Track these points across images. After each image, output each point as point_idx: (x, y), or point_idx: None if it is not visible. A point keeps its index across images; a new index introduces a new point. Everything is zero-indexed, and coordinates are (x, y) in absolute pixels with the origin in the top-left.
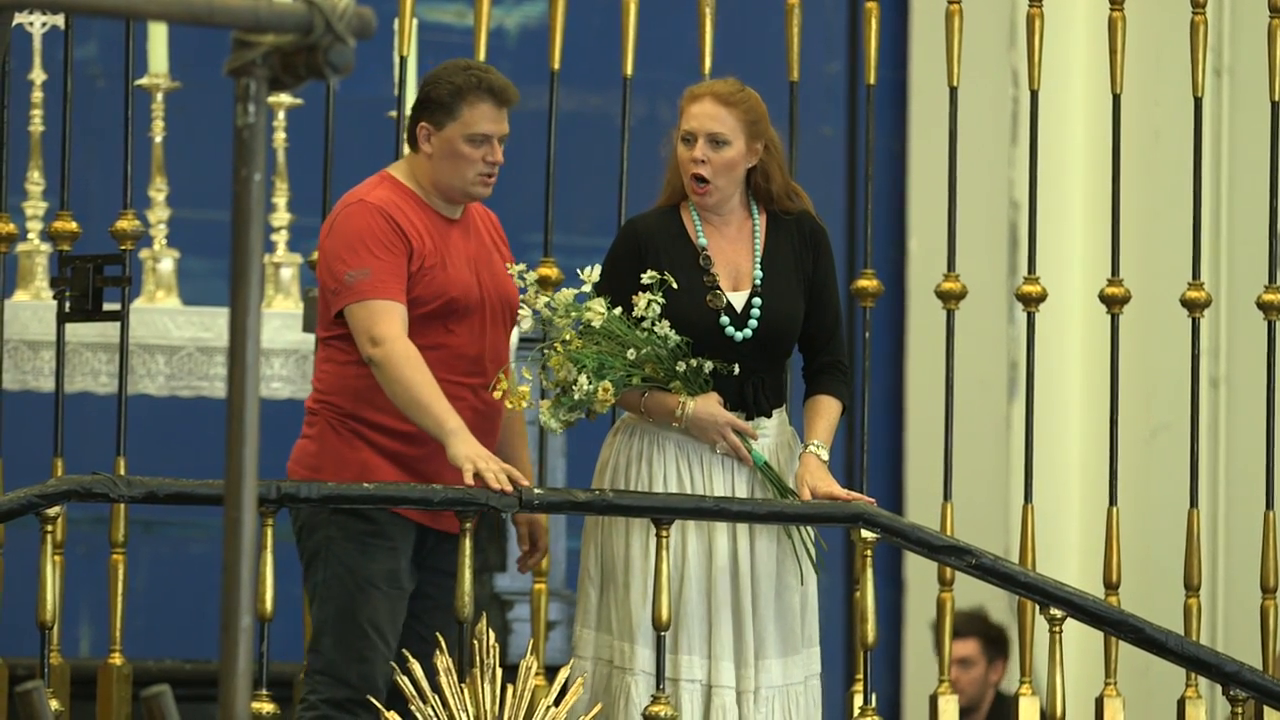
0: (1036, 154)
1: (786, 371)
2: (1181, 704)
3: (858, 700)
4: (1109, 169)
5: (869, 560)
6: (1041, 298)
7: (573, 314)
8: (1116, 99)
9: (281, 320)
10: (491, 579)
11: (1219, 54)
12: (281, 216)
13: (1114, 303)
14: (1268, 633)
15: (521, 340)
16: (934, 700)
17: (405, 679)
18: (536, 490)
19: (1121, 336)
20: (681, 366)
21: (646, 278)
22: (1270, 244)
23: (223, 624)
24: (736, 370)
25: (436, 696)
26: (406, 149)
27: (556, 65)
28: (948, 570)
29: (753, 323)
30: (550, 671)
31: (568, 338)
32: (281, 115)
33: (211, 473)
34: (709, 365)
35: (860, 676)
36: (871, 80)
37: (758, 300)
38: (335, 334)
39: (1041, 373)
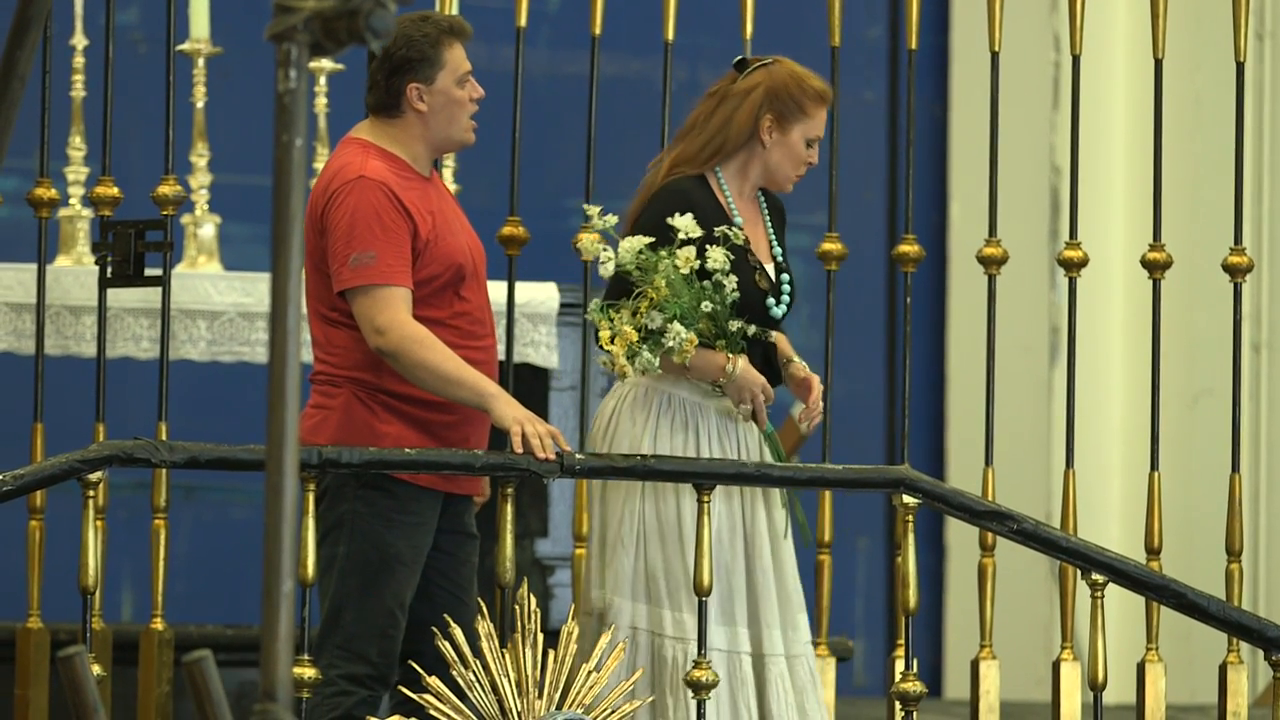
0: (1078, 119)
1: None
2: (1223, 669)
3: (899, 665)
4: (1150, 134)
5: (910, 525)
6: (1083, 263)
7: (656, 260)
8: (1158, 64)
9: None
10: (533, 544)
11: (1261, 18)
12: None
13: (1155, 268)
14: None
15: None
16: (975, 665)
17: (447, 644)
18: (578, 455)
19: (1163, 302)
20: (734, 325)
21: (719, 232)
22: None
23: (264, 589)
24: (771, 336)
25: (478, 661)
26: (370, 118)
27: (598, 30)
28: (989, 535)
29: (785, 298)
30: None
31: (661, 284)
32: (323, 80)
33: (253, 438)
34: (751, 329)
35: (901, 642)
36: (913, 45)
37: (785, 276)
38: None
39: (1083, 338)
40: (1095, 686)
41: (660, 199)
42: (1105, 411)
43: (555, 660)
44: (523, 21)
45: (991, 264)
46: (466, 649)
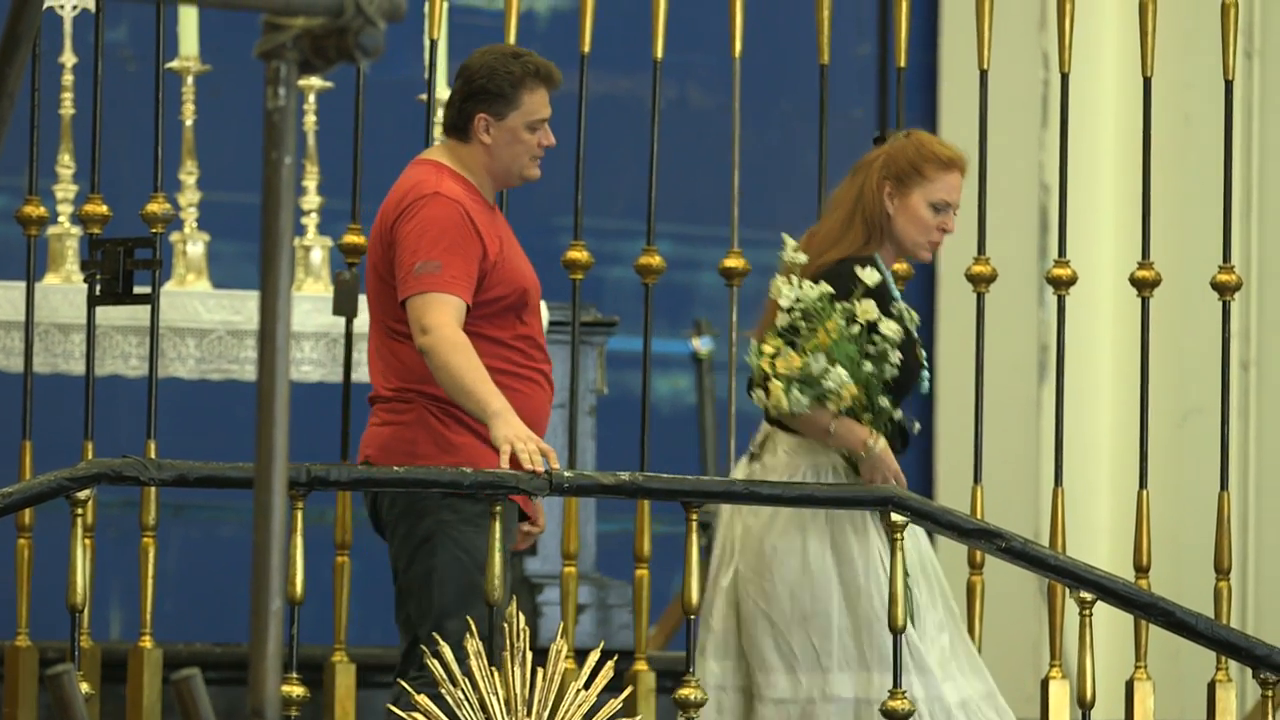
0: (1067, 137)
1: None
2: (1212, 687)
3: (889, 683)
4: (1139, 152)
5: (899, 543)
6: (1072, 281)
7: (830, 311)
8: (1147, 82)
9: (311, 303)
10: (522, 562)
11: (1250, 37)
12: (312, 200)
13: (1144, 286)
14: None
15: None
16: None
17: (435, 662)
18: (566, 473)
19: (1152, 320)
20: (883, 401)
21: (895, 308)
22: None
23: (253, 607)
24: (917, 429)
25: (467, 679)
26: (441, 135)
27: (587, 48)
28: (978, 553)
29: (927, 371)
30: (580, 655)
31: (830, 328)
32: (312, 98)
33: (242, 456)
34: (897, 414)
35: (891, 659)
36: (902, 63)
37: (925, 355)
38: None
39: (1072, 356)
40: (1084, 704)
41: (846, 264)
42: (1094, 429)
43: (544, 678)
44: (511, 39)
45: (980, 282)
46: (455, 667)
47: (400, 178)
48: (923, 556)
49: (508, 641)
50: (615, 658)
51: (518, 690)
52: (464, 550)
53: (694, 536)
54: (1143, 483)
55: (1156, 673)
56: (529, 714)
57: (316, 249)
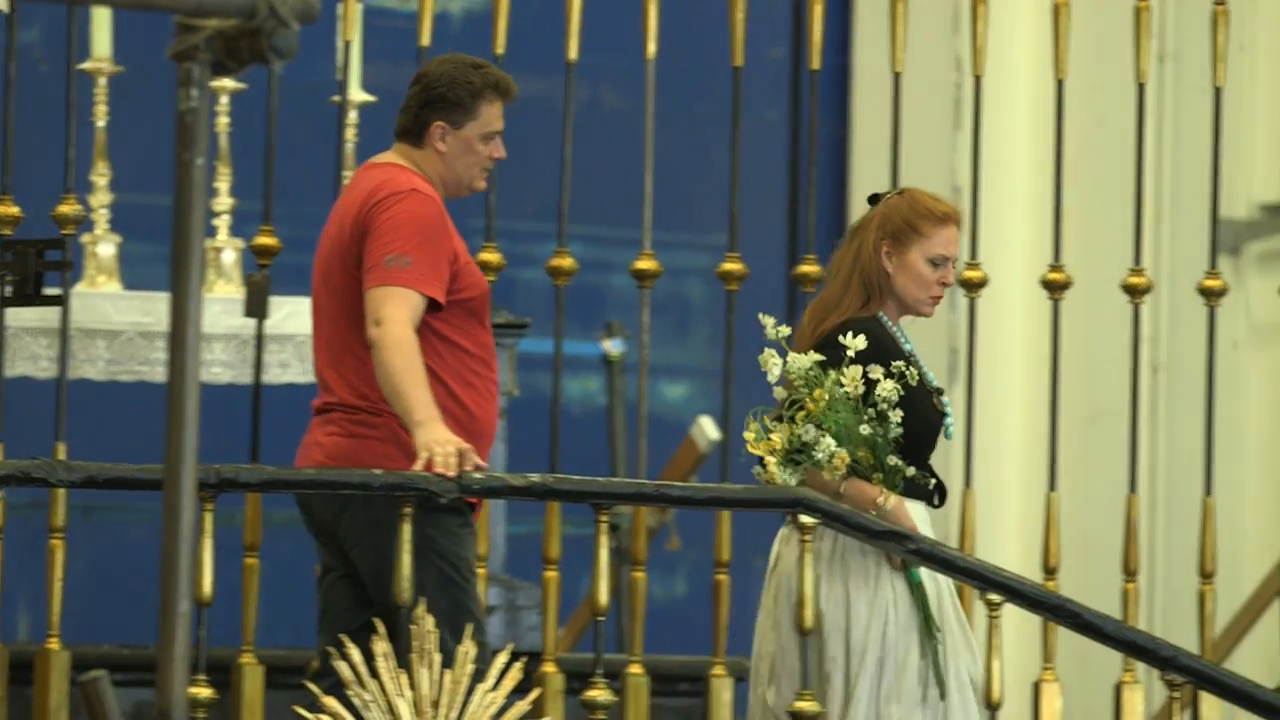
0: (980, 140)
1: None
2: (1119, 689)
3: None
4: (1052, 155)
5: (808, 545)
6: (983, 283)
7: (824, 379)
8: (1060, 85)
9: (222, 305)
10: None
11: (1163, 40)
12: (223, 201)
13: (1055, 288)
14: (1205, 617)
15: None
16: None
17: (344, 664)
18: (475, 475)
19: (1063, 322)
20: (892, 460)
21: (894, 367)
22: (1211, 230)
23: (161, 609)
24: (932, 484)
25: (375, 681)
26: (397, 143)
27: (501, 50)
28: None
29: (952, 421)
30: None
31: (818, 396)
32: (224, 100)
33: (151, 458)
34: (910, 471)
35: (799, 661)
36: (815, 65)
37: (947, 400)
38: None
39: (982, 358)
40: (991, 706)
41: (834, 333)
42: (1004, 432)
43: (451, 680)
44: (425, 40)
45: None
46: (363, 668)
47: (359, 180)
48: (942, 597)
49: (416, 643)
50: (524, 659)
51: (425, 691)
52: (449, 563)
53: (603, 538)
54: (1052, 485)
55: (1064, 674)
56: (436, 715)
57: (228, 250)
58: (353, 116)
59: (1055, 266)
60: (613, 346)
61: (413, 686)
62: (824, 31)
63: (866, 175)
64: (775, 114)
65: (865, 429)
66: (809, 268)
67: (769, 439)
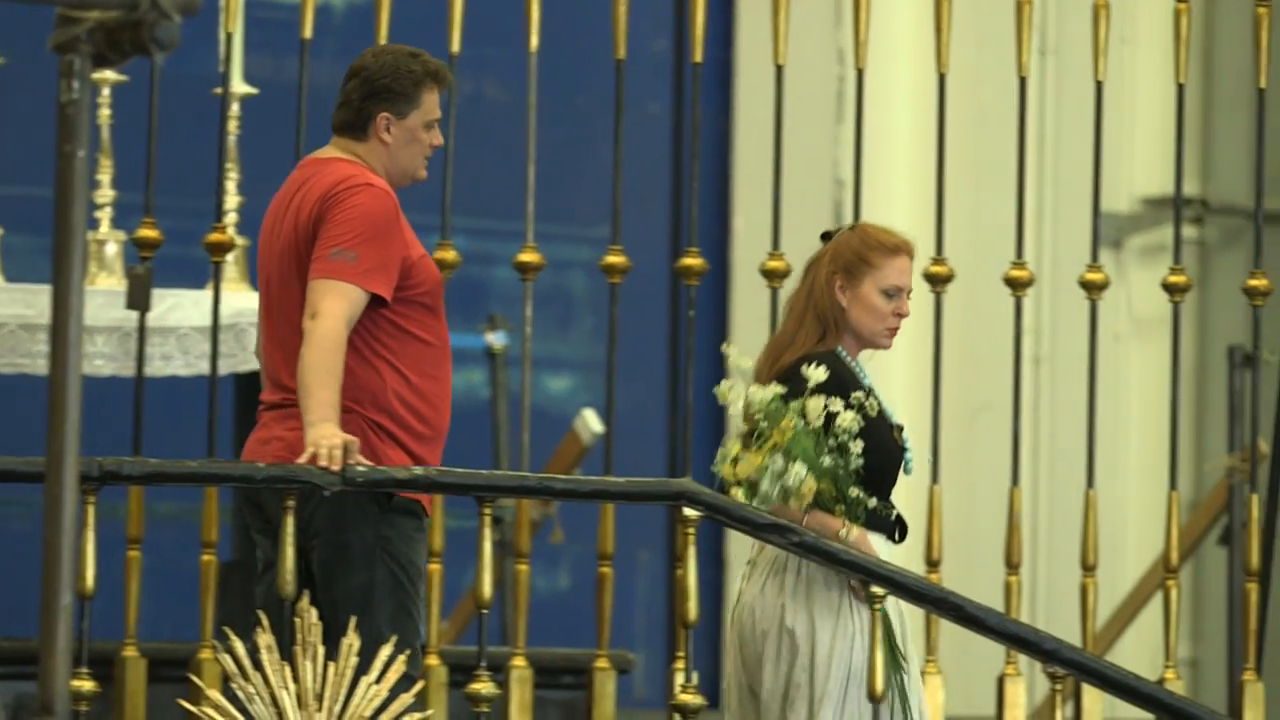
0: (862, 133)
1: None
2: (1001, 681)
3: (679, 678)
4: (934, 148)
5: (691, 538)
6: None
7: (785, 411)
8: (942, 78)
9: (105, 297)
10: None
11: (1044, 34)
12: (105, 193)
13: (938, 281)
14: (1087, 610)
15: None
16: None
17: (227, 656)
18: (359, 468)
19: (945, 315)
20: (854, 491)
21: (853, 398)
22: (1093, 223)
23: (43, 602)
24: (894, 516)
25: (258, 673)
26: (337, 138)
27: (383, 42)
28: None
29: (912, 454)
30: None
31: (784, 427)
32: (106, 91)
33: (33, 450)
34: (872, 502)
35: (681, 654)
36: (698, 58)
37: (908, 438)
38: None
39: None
40: (874, 698)
41: (796, 365)
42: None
43: (336, 673)
44: (308, 33)
45: (775, 277)
46: (247, 661)
47: (310, 177)
48: (904, 628)
49: (299, 636)
50: (408, 652)
51: (309, 684)
52: (400, 566)
53: (487, 531)
54: (934, 478)
55: (947, 666)
56: (320, 708)
57: (110, 243)
58: (235, 109)
59: (937, 260)
60: (496, 339)
61: (296, 679)
62: (706, 24)
63: (749, 168)
64: (658, 107)
65: (827, 460)
66: (692, 260)
67: (739, 465)
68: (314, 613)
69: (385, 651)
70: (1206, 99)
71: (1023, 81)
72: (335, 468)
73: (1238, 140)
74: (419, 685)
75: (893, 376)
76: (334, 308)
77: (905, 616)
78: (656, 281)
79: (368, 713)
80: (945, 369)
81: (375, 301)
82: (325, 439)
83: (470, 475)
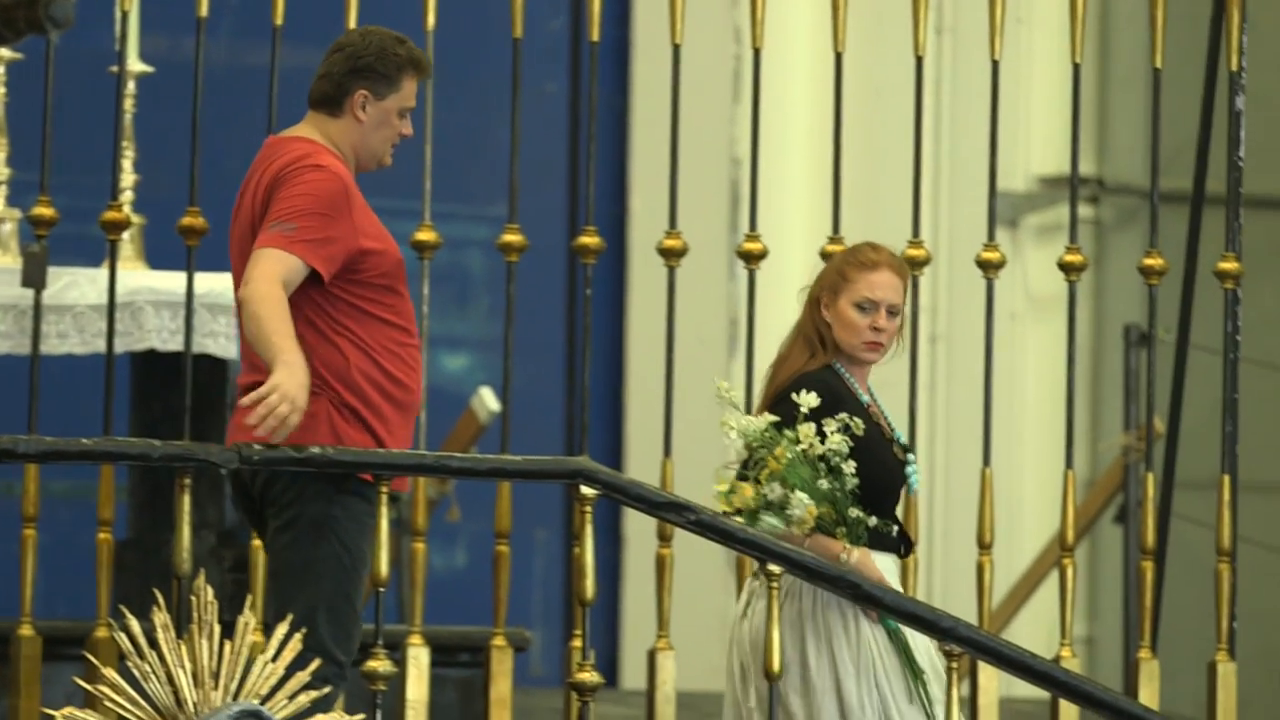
0: (759, 112)
1: None
2: None
3: (576, 656)
4: (830, 127)
5: (589, 516)
6: (762, 255)
7: (779, 439)
8: (839, 58)
9: (0, 276)
10: (210, 534)
11: (940, 13)
12: (1, 171)
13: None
14: (983, 588)
15: None
16: (652, 656)
17: (123, 635)
18: (255, 446)
19: None
20: (854, 513)
21: (837, 420)
22: (990, 203)
23: None
24: (895, 531)
25: (154, 652)
26: (312, 112)
27: (279, 21)
28: (667, 526)
29: (916, 469)
30: (268, 628)
31: (779, 454)
32: (1, 70)
33: None
34: (873, 521)
35: (579, 632)
36: (595, 37)
37: (912, 454)
38: (320, 319)
39: (762, 330)
40: (770, 677)
41: (793, 386)
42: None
43: (231, 651)
44: (204, 11)
45: (671, 256)
46: (142, 639)
47: (270, 154)
48: (918, 638)
49: (195, 614)
50: (303, 630)
51: (205, 663)
52: (344, 547)
53: (384, 509)
54: None
55: None
56: (216, 686)
57: (6, 221)
58: (131, 87)
59: (834, 238)
60: None
61: (192, 658)
62: (603, 3)
63: (646, 147)
64: (555, 86)
65: (824, 483)
66: (589, 239)
67: (733, 498)
68: (210, 591)
69: (281, 630)
70: (1102, 78)
71: (919, 61)
72: (264, 435)
73: (1133, 120)
74: (315, 663)
75: None
76: (265, 272)
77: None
78: (554, 260)
79: (264, 691)
80: None
81: (321, 280)
82: (284, 393)
83: (367, 453)
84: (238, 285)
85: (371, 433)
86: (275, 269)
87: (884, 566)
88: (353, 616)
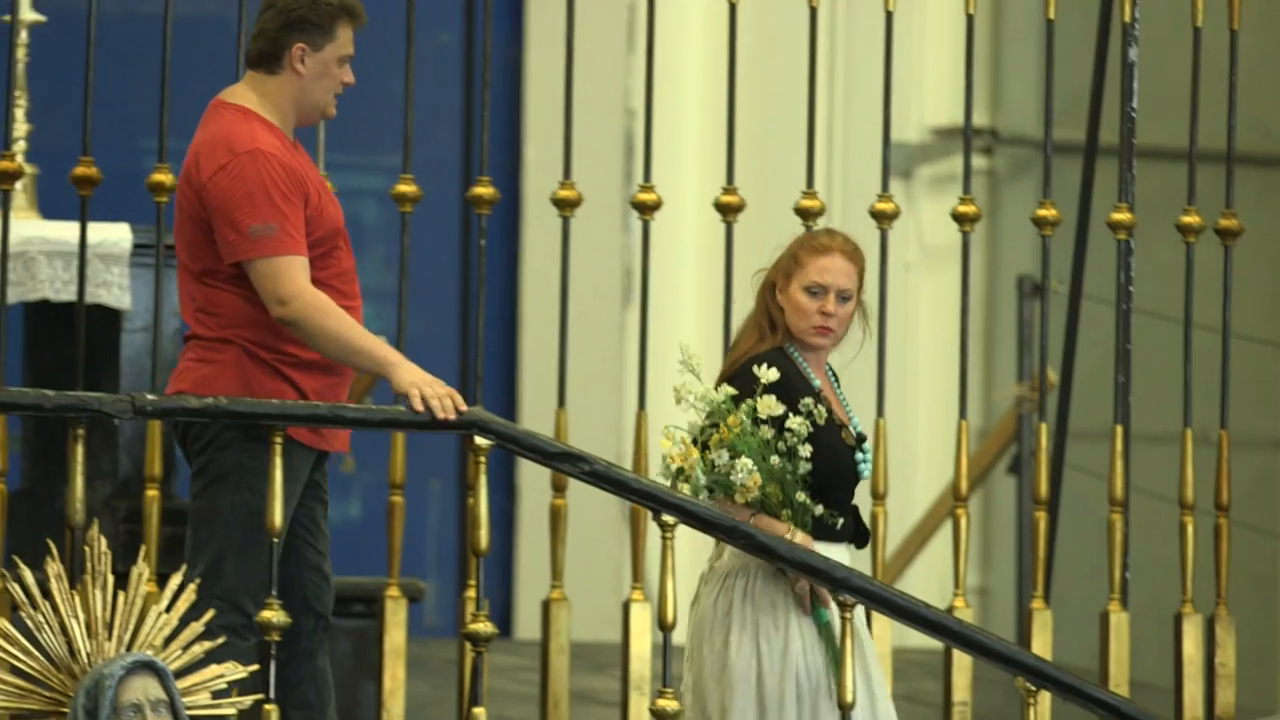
0: (653, 62)
1: None
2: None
3: (470, 606)
4: (725, 77)
5: (483, 467)
6: (657, 205)
7: (734, 410)
8: (733, 8)
9: None
10: (104, 485)
11: None
12: None
13: (729, 211)
14: (877, 539)
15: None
16: (546, 606)
17: (16, 585)
18: (149, 396)
19: (736, 244)
20: (801, 496)
21: (803, 405)
22: (884, 153)
23: None
24: (840, 525)
25: (47, 602)
26: (250, 71)
27: None
28: (561, 477)
29: (868, 456)
30: (162, 578)
31: (732, 423)
32: None
33: None
34: (818, 509)
35: (473, 583)
36: None
37: (862, 437)
38: (237, 271)
39: (656, 281)
40: (665, 627)
41: (747, 365)
42: (677, 354)
43: (125, 602)
44: None
45: (566, 206)
46: (36, 590)
47: (204, 123)
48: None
49: (89, 564)
50: (197, 581)
51: (99, 613)
52: (255, 495)
53: (277, 460)
54: None
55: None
56: (110, 637)
57: None
58: (24, 36)
59: (728, 189)
60: None
61: (86, 609)
62: None
63: (540, 98)
64: (449, 37)
65: (775, 460)
66: (483, 190)
67: (687, 448)
68: (103, 541)
69: (175, 580)
70: (996, 30)
71: (813, 11)
72: (452, 417)
73: (1027, 71)
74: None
75: (683, 305)
76: (294, 285)
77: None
78: (448, 211)
79: (158, 641)
80: (736, 298)
81: None
82: (425, 383)
83: (261, 404)
84: (180, 244)
85: (293, 384)
86: (302, 279)
87: (838, 557)
88: (262, 563)
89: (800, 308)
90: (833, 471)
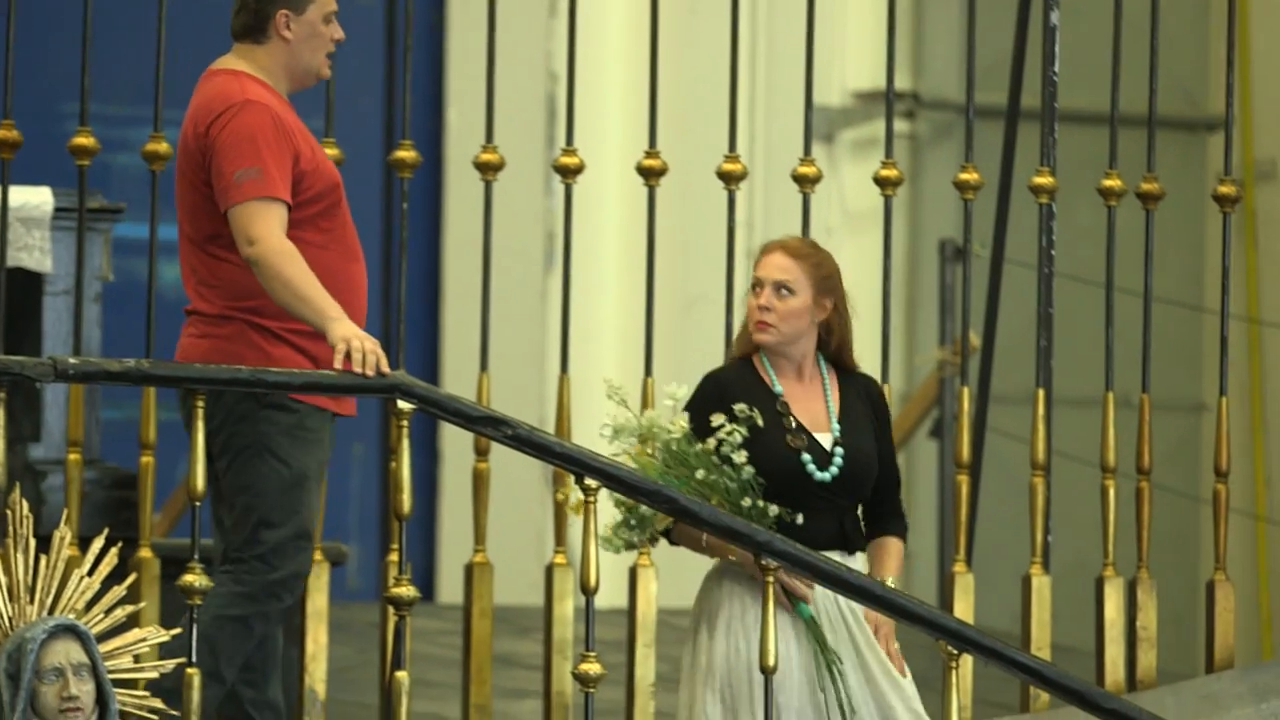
0: (575, 26)
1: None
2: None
3: (392, 570)
4: (647, 41)
5: (405, 431)
6: (579, 169)
7: (653, 430)
8: None
9: None
10: (25, 449)
11: None
12: None
13: (651, 175)
14: None
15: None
16: (469, 570)
17: None
18: (71, 359)
19: (658, 208)
20: (746, 502)
21: (736, 409)
22: (805, 117)
23: None
24: (800, 520)
25: None
26: (237, 44)
27: None
28: (484, 441)
29: (838, 461)
30: (84, 542)
31: (634, 451)
32: None
33: None
34: (774, 510)
35: (395, 546)
36: None
37: (840, 450)
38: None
39: (579, 244)
40: (587, 590)
41: (701, 383)
42: (600, 317)
43: (47, 566)
44: None
45: (488, 170)
46: None
47: (198, 90)
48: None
49: (10, 528)
50: (120, 544)
51: (21, 577)
52: (283, 462)
53: (199, 424)
54: (648, 370)
55: (660, 559)
56: (32, 601)
57: None
58: None
59: (651, 153)
60: None
61: (7, 572)
62: None
63: (462, 61)
64: (370, 1)
65: (700, 474)
66: (405, 153)
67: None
68: (25, 505)
69: (97, 544)
70: None
71: None
72: (369, 372)
73: (949, 35)
74: (131, 578)
75: (605, 269)
76: (264, 228)
77: (851, 615)
78: (370, 174)
79: (80, 605)
80: (659, 261)
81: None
82: (356, 337)
83: (183, 368)
84: (181, 212)
85: (303, 352)
86: (275, 223)
87: (857, 566)
88: (303, 527)
89: (747, 308)
90: (770, 473)
